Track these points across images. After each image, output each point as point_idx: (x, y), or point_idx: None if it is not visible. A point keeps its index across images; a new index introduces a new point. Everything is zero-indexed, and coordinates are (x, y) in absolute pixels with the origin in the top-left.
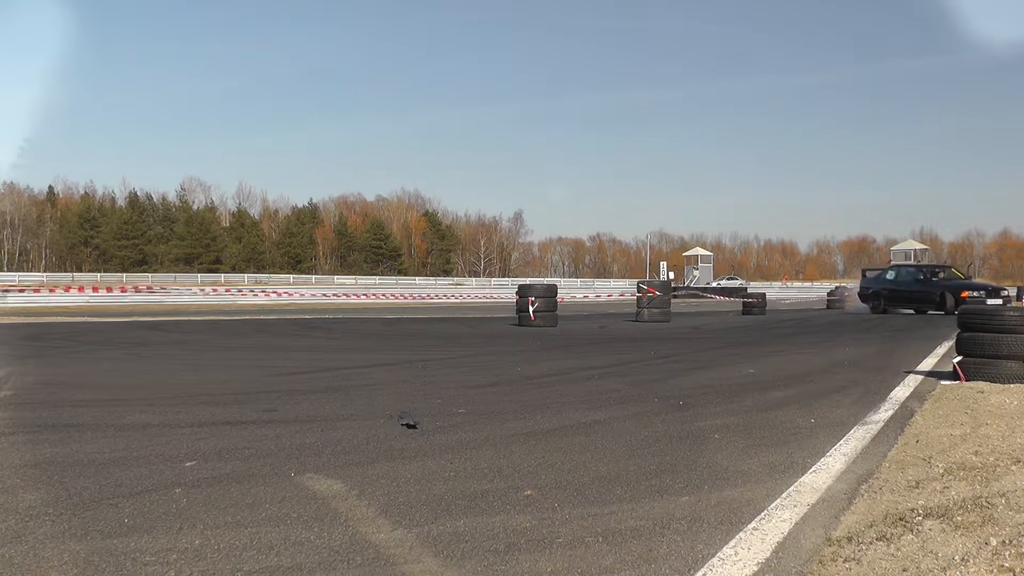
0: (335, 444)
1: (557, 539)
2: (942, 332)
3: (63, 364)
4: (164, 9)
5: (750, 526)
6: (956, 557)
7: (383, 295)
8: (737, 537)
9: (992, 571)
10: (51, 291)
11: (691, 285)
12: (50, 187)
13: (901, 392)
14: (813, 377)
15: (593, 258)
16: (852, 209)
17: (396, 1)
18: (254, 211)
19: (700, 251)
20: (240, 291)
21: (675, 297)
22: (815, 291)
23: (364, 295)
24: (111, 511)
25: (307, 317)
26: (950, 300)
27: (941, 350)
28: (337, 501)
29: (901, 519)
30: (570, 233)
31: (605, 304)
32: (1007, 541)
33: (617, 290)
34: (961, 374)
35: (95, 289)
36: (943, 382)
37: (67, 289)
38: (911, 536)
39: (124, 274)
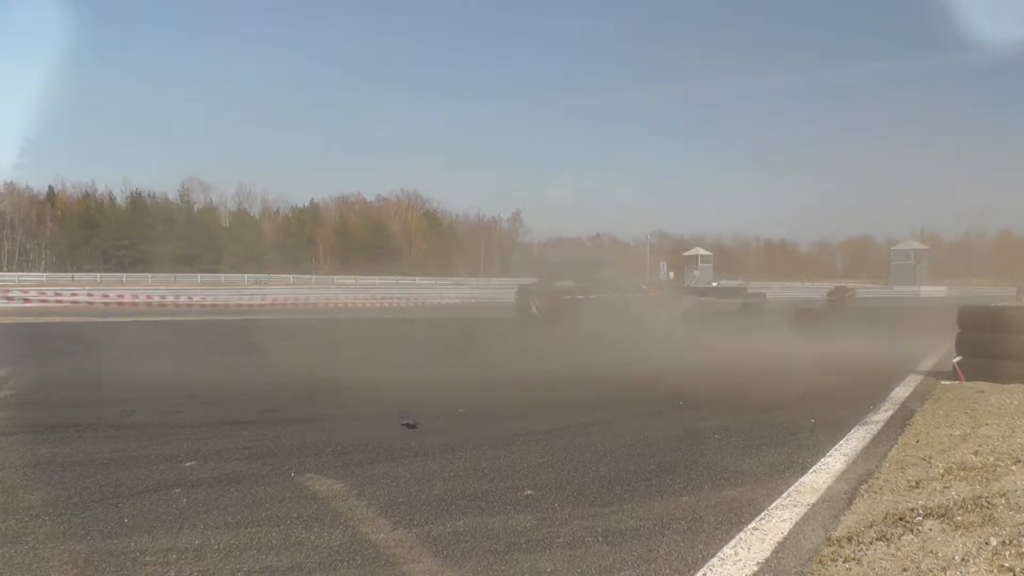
0: (335, 444)
1: (557, 539)
2: (942, 332)
3: (63, 364)
4: (164, 9)
5: (750, 526)
6: (956, 557)
7: (383, 296)
8: (737, 537)
9: (992, 571)
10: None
11: (691, 285)
12: (50, 187)
13: (901, 392)
14: (814, 376)
15: None
16: (852, 209)
17: (396, 1)
18: (254, 211)
19: (700, 251)
20: (239, 292)
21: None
22: (815, 291)
23: (364, 296)
24: (111, 511)
25: (307, 317)
26: None
27: (941, 350)
28: (337, 501)
29: (901, 519)
30: (570, 233)
31: None
32: (1007, 541)
33: None
34: (961, 374)
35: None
36: (943, 382)
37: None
38: (911, 536)
39: (124, 274)
